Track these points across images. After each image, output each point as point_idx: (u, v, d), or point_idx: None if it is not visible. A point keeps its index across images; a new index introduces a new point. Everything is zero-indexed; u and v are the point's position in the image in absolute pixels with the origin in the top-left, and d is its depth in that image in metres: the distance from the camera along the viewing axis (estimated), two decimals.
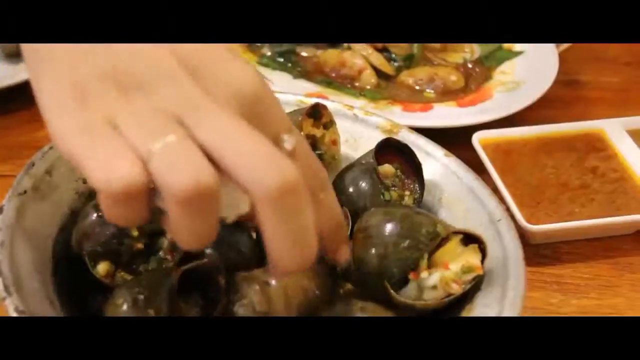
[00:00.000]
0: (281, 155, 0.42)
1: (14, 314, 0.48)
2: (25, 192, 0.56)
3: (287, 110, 0.65)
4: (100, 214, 0.55)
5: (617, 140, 0.81)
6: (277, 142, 0.44)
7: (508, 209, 0.68)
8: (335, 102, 0.70)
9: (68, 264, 0.56)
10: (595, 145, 0.81)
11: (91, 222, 0.55)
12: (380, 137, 0.65)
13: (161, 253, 0.55)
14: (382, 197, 0.61)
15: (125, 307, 0.50)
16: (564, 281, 0.71)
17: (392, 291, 0.54)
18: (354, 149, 0.67)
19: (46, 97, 0.43)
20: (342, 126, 0.67)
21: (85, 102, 0.42)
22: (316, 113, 0.65)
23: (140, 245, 0.55)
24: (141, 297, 0.50)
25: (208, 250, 0.54)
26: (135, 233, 0.55)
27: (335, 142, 0.66)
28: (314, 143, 0.65)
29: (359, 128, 0.69)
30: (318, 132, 0.65)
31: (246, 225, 0.55)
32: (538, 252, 0.73)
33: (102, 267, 0.54)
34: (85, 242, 0.55)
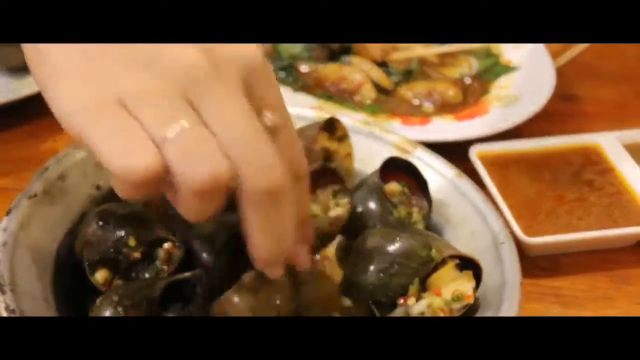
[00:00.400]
0: (274, 153, 0.44)
1: (4, 313, 0.49)
2: (35, 195, 0.57)
3: (303, 124, 0.66)
4: (101, 222, 0.56)
5: (613, 154, 0.81)
6: (260, 115, 0.46)
7: (506, 222, 0.68)
8: (351, 118, 0.71)
9: (71, 269, 0.56)
10: (592, 158, 0.81)
11: (93, 231, 0.56)
12: (394, 154, 0.65)
13: (158, 263, 0.56)
14: (390, 215, 0.61)
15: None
16: (562, 293, 0.71)
17: (377, 314, 0.55)
18: (367, 165, 0.67)
19: (50, 72, 0.44)
20: (357, 142, 0.68)
21: (94, 79, 0.43)
22: (331, 127, 0.66)
23: (137, 255, 0.56)
24: (120, 308, 0.51)
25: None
26: (132, 243, 0.55)
27: (349, 155, 0.67)
28: (329, 156, 0.66)
29: (373, 145, 0.69)
30: (333, 146, 0.66)
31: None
32: (536, 264, 0.73)
33: (100, 275, 0.55)
34: (86, 249, 0.56)
